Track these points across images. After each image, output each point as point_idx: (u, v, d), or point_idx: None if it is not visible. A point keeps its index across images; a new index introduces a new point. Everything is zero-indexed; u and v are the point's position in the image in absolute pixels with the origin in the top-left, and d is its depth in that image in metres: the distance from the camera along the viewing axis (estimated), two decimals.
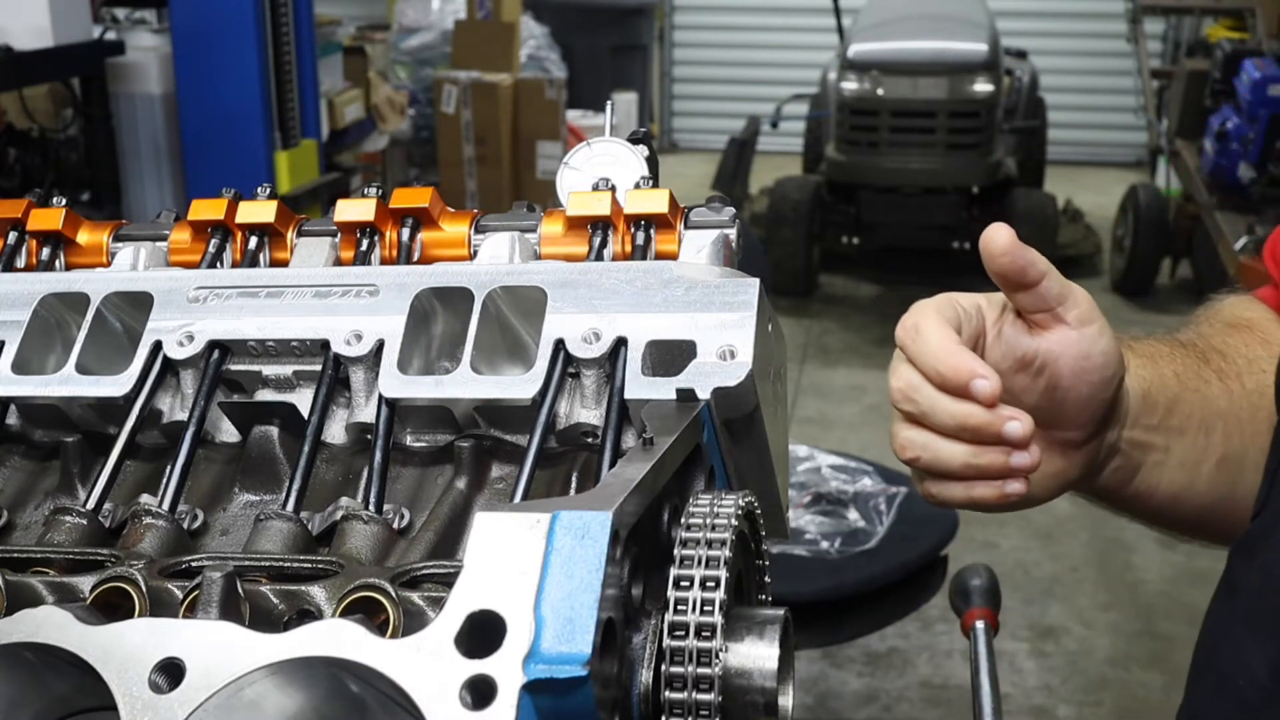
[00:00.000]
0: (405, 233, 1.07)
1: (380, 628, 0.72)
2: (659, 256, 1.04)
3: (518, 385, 0.92)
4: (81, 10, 4.94)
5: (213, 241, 1.09)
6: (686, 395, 0.88)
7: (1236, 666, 1.05)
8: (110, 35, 5.28)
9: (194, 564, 0.81)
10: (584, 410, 0.93)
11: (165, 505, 0.89)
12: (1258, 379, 1.21)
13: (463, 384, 0.92)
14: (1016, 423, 0.97)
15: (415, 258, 1.08)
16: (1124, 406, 1.11)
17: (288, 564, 0.81)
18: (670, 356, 0.92)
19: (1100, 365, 1.05)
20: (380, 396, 0.93)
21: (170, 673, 0.66)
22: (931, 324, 1.00)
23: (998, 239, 1.01)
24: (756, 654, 0.75)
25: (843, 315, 7.25)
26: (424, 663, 0.64)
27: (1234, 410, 1.19)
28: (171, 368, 0.97)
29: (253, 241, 1.09)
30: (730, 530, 0.75)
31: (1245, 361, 1.22)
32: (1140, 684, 3.85)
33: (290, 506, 0.88)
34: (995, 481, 1.00)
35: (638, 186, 1.07)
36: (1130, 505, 1.20)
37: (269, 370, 0.98)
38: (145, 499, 0.91)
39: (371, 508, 0.88)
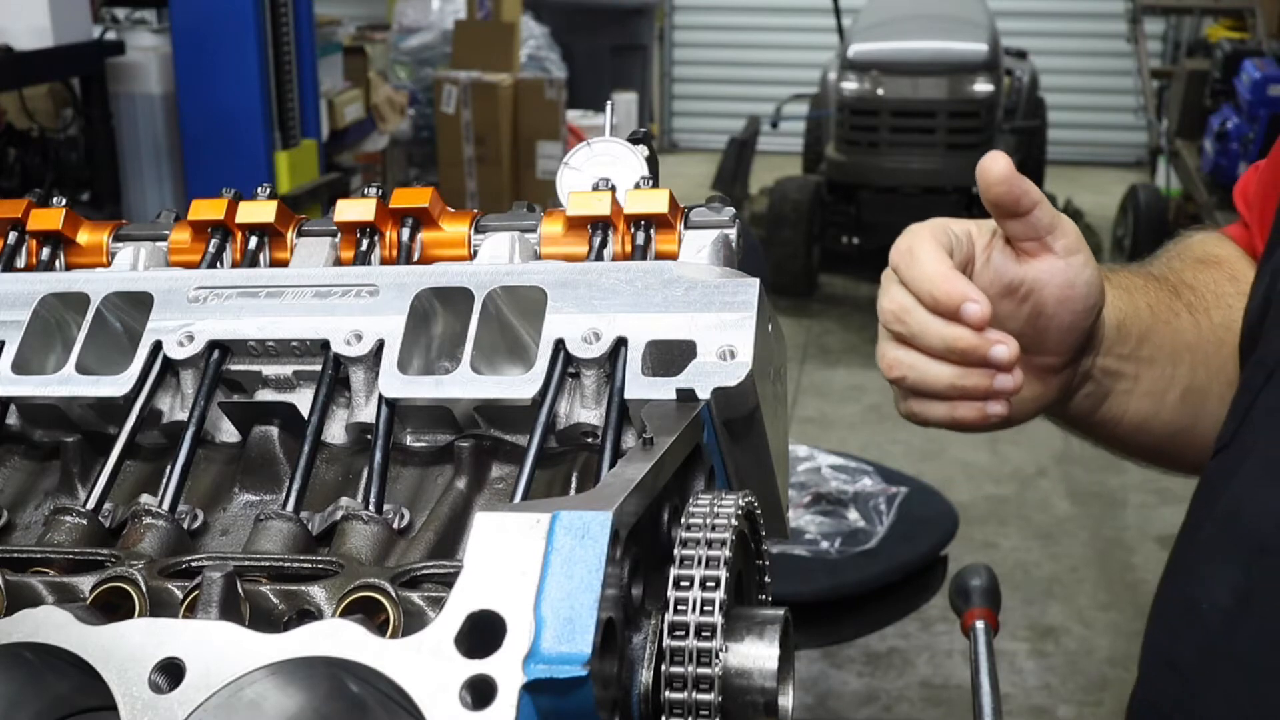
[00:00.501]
0: (405, 233, 1.07)
1: (380, 628, 0.72)
2: (659, 256, 1.04)
3: (518, 385, 0.92)
4: (81, 10, 4.94)
5: (213, 241, 1.09)
6: (686, 395, 0.88)
7: (1201, 593, 1.09)
8: (110, 35, 5.28)
9: (194, 564, 0.81)
10: (584, 410, 0.93)
11: (165, 505, 0.89)
12: (1225, 314, 1.25)
13: (463, 384, 0.92)
14: (1003, 346, 1.00)
15: (415, 258, 1.08)
16: (1100, 335, 1.15)
17: (288, 564, 0.81)
18: (670, 356, 0.92)
19: (1083, 294, 1.08)
20: (380, 396, 0.93)
21: (170, 673, 0.66)
22: (926, 248, 1.04)
23: (995, 167, 1.04)
24: (756, 654, 0.75)
25: (843, 315, 7.25)
26: (424, 663, 0.64)
27: (1201, 343, 1.23)
28: (171, 368, 0.97)
29: (253, 241, 1.09)
30: (730, 530, 0.75)
31: (1214, 296, 1.27)
32: None
33: (290, 506, 0.88)
34: (978, 402, 1.04)
35: (638, 186, 1.07)
36: (1096, 430, 1.25)
37: (269, 370, 0.98)
38: (145, 499, 0.91)
39: (371, 508, 0.88)
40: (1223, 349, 1.24)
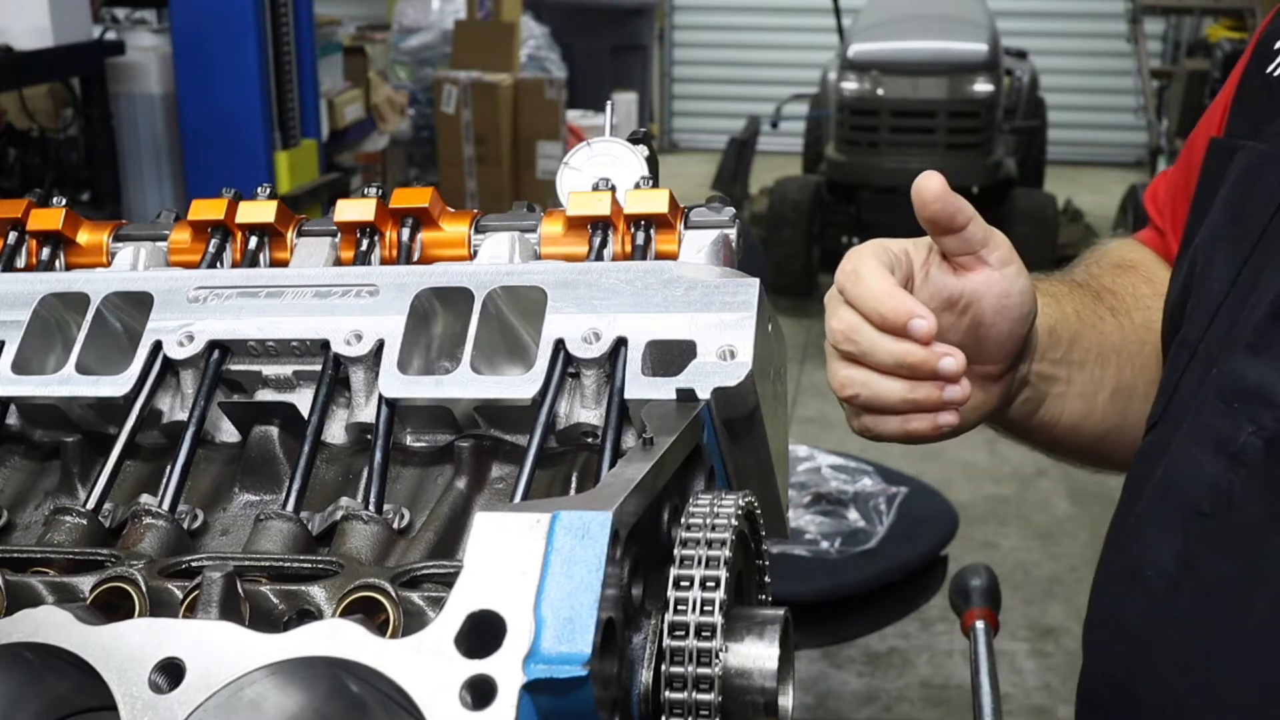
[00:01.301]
0: (405, 233, 1.07)
1: (380, 628, 0.72)
2: (659, 256, 1.04)
3: (518, 385, 0.92)
4: (81, 10, 4.94)
5: (213, 241, 1.09)
6: (686, 395, 0.88)
7: (1145, 560, 1.13)
8: (110, 35, 5.27)
9: (194, 564, 0.81)
10: (584, 410, 0.93)
11: (165, 505, 0.89)
12: (1144, 315, 1.32)
13: (463, 384, 0.92)
14: (950, 359, 1.05)
15: (415, 258, 1.08)
16: (1035, 342, 1.21)
17: (288, 564, 0.81)
18: (670, 356, 0.92)
19: (1018, 303, 1.13)
20: (380, 396, 0.93)
21: (170, 673, 0.66)
22: (870, 267, 1.07)
23: (930, 186, 1.08)
24: (756, 654, 0.75)
25: None
26: (424, 663, 0.64)
27: (1125, 344, 1.30)
28: (171, 368, 0.97)
29: (253, 241, 1.09)
30: (730, 530, 0.75)
31: (1133, 299, 1.34)
32: None
33: (290, 506, 0.88)
34: (929, 414, 1.09)
35: (638, 186, 1.07)
36: (1034, 434, 1.30)
37: (269, 370, 0.98)
38: (145, 499, 0.91)
39: (371, 508, 0.88)
40: (1144, 348, 1.31)
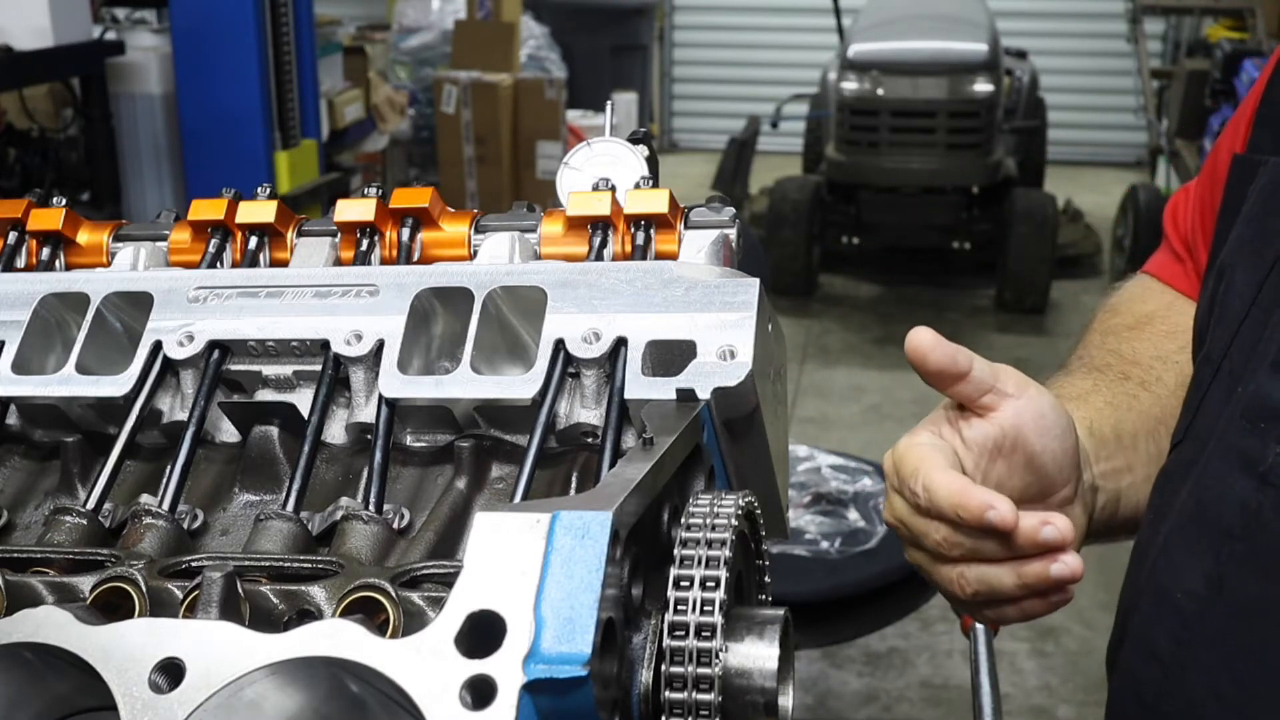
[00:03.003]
0: (405, 233, 1.07)
1: (380, 628, 0.72)
2: (659, 256, 1.04)
3: (518, 385, 0.92)
4: (81, 10, 4.94)
5: (213, 241, 1.09)
6: (686, 395, 0.88)
7: (1173, 582, 1.12)
8: (110, 35, 5.27)
9: (194, 564, 0.81)
10: (584, 410, 0.93)
11: (165, 505, 0.89)
12: (1175, 374, 1.29)
13: (463, 384, 0.92)
14: (1051, 526, 1.01)
15: (415, 258, 1.08)
16: (1084, 450, 1.18)
17: (288, 564, 0.81)
18: (670, 356, 0.92)
19: (1055, 420, 1.10)
20: (380, 396, 0.93)
21: (170, 673, 0.66)
22: (937, 478, 1.04)
23: (922, 341, 1.07)
24: (756, 654, 0.75)
25: (843, 315, 7.24)
26: (424, 663, 0.64)
27: (1165, 413, 1.26)
28: (171, 368, 0.97)
29: (253, 241, 1.09)
30: (730, 530, 0.75)
31: (1160, 363, 1.31)
32: None
33: (290, 506, 0.88)
34: (1044, 598, 1.06)
35: (638, 186, 1.07)
36: (1128, 529, 1.27)
37: (269, 370, 0.98)
38: (145, 499, 0.91)
39: (371, 508, 0.88)
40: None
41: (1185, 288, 1.38)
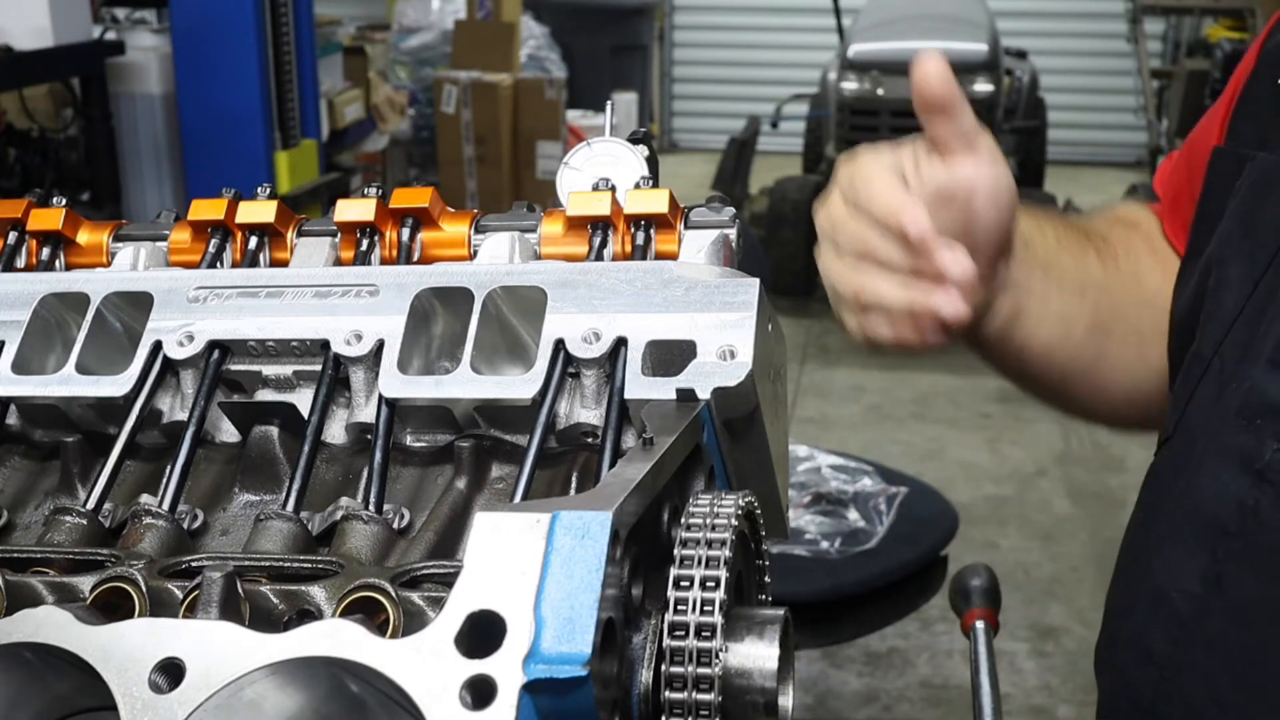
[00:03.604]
0: (405, 233, 1.07)
1: (380, 628, 0.72)
2: (659, 256, 1.04)
3: (518, 385, 0.92)
4: (81, 10, 4.94)
5: (213, 241, 1.09)
6: (686, 395, 0.88)
7: (1168, 580, 1.12)
8: (110, 35, 5.27)
9: (194, 564, 0.81)
10: (584, 410, 0.93)
11: (165, 505, 0.89)
12: (1133, 265, 1.31)
13: (463, 384, 0.92)
14: (954, 256, 1.04)
15: (415, 258, 1.08)
16: (1014, 244, 1.20)
17: (288, 564, 0.81)
18: (670, 356, 0.92)
19: (1006, 197, 1.13)
20: (380, 396, 0.93)
21: (170, 673, 0.66)
22: (879, 174, 1.09)
23: (929, 65, 1.08)
24: (756, 654, 0.75)
25: None
26: (424, 663, 0.64)
27: (1108, 285, 1.29)
28: (171, 368, 0.97)
29: (253, 241, 1.09)
30: (730, 530, 0.75)
31: (1124, 249, 1.32)
32: None
33: (290, 506, 0.88)
34: (920, 322, 1.09)
35: (638, 186, 1.07)
36: (1008, 358, 1.29)
37: (269, 370, 0.98)
38: (145, 499, 0.91)
39: (371, 508, 0.88)
40: (1127, 295, 1.30)
41: (1170, 234, 1.39)
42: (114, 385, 0.96)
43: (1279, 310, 1.08)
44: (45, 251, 1.11)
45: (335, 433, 0.97)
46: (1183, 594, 1.11)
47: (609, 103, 1.21)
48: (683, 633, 0.71)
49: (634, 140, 1.12)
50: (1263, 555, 1.06)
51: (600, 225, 1.04)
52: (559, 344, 0.93)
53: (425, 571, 0.78)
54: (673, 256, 1.03)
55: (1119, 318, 1.29)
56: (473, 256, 1.07)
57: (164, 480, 0.91)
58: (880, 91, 7.04)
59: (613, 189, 1.05)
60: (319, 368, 0.96)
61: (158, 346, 0.97)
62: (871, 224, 1.08)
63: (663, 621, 0.72)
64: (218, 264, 1.08)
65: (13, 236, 1.11)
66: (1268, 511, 1.05)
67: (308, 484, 0.90)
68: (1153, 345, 1.30)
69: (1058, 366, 1.29)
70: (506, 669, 0.64)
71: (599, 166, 1.11)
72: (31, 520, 0.96)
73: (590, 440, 0.93)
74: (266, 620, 0.76)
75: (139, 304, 1.00)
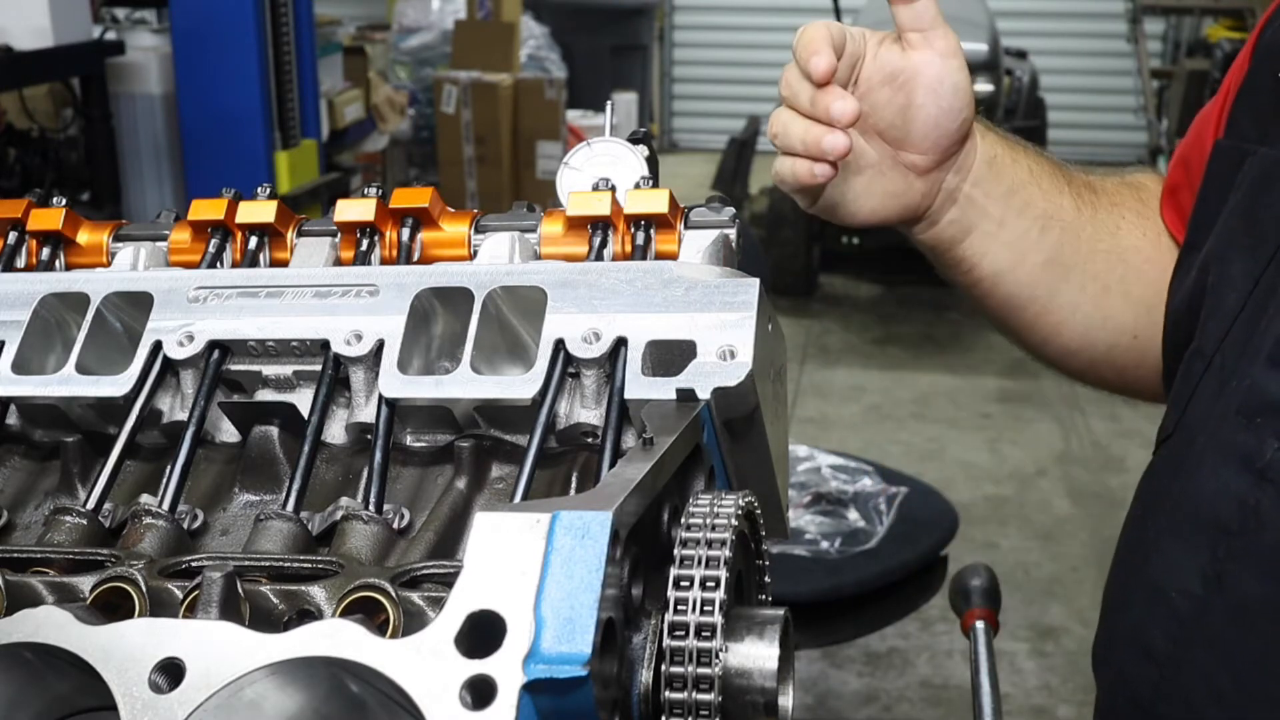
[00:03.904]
0: (405, 233, 1.07)
1: (380, 628, 0.72)
2: (659, 256, 1.04)
3: (518, 385, 0.92)
4: (81, 10, 4.94)
5: (213, 241, 1.09)
6: (686, 395, 0.88)
7: (1167, 579, 1.13)
8: (110, 35, 5.27)
9: (194, 564, 0.81)
10: (584, 410, 0.93)
11: (165, 505, 0.89)
12: (1113, 217, 1.33)
13: (463, 384, 0.92)
14: (842, 102, 1.12)
15: (415, 258, 1.08)
16: (970, 158, 1.24)
17: (288, 564, 0.81)
18: (670, 356, 0.92)
19: (951, 91, 1.18)
20: (380, 396, 0.93)
21: (170, 673, 0.66)
22: (815, 28, 1.16)
23: None
24: (756, 654, 0.75)
25: (843, 315, 7.24)
26: (424, 663, 0.64)
27: (1079, 226, 1.31)
28: (171, 368, 0.97)
29: (253, 241, 1.09)
30: (730, 530, 0.75)
31: (1109, 201, 1.34)
32: None
33: (290, 506, 0.88)
34: (812, 160, 1.15)
35: (638, 186, 1.07)
36: (957, 269, 1.32)
37: (269, 370, 0.98)
38: (145, 499, 0.91)
39: (371, 508, 0.88)
40: (1097, 243, 1.31)
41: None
42: (114, 385, 0.96)
43: None
44: (45, 251, 1.11)
45: (335, 433, 0.97)
46: (1182, 592, 1.10)
47: (609, 103, 1.21)
48: (683, 633, 0.71)
49: (634, 140, 1.12)
50: (1264, 555, 1.05)
51: (600, 225, 1.04)
52: (559, 344, 0.93)
53: (425, 571, 0.78)
54: (673, 256, 1.03)
55: (1082, 262, 1.30)
56: (473, 256, 1.07)
57: (164, 480, 0.91)
58: None
59: (613, 189, 1.05)
60: (319, 368, 0.96)
61: (158, 346, 0.97)
62: (798, 72, 1.15)
63: (663, 621, 0.72)
64: (218, 264, 1.08)
65: (13, 236, 1.11)
66: (1269, 510, 1.05)
67: (308, 484, 0.90)
68: (1115, 299, 1.31)
69: (1007, 292, 1.31)
70: (506, 669, 0.64)
71: (599, 166, 1.11)
72: (31, 520, 0.96)
73: (590, 440, 0.93)
74: (266, 620, 0.76)
75: (139, 304, 1.00)
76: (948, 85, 1.17)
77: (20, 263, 1.11)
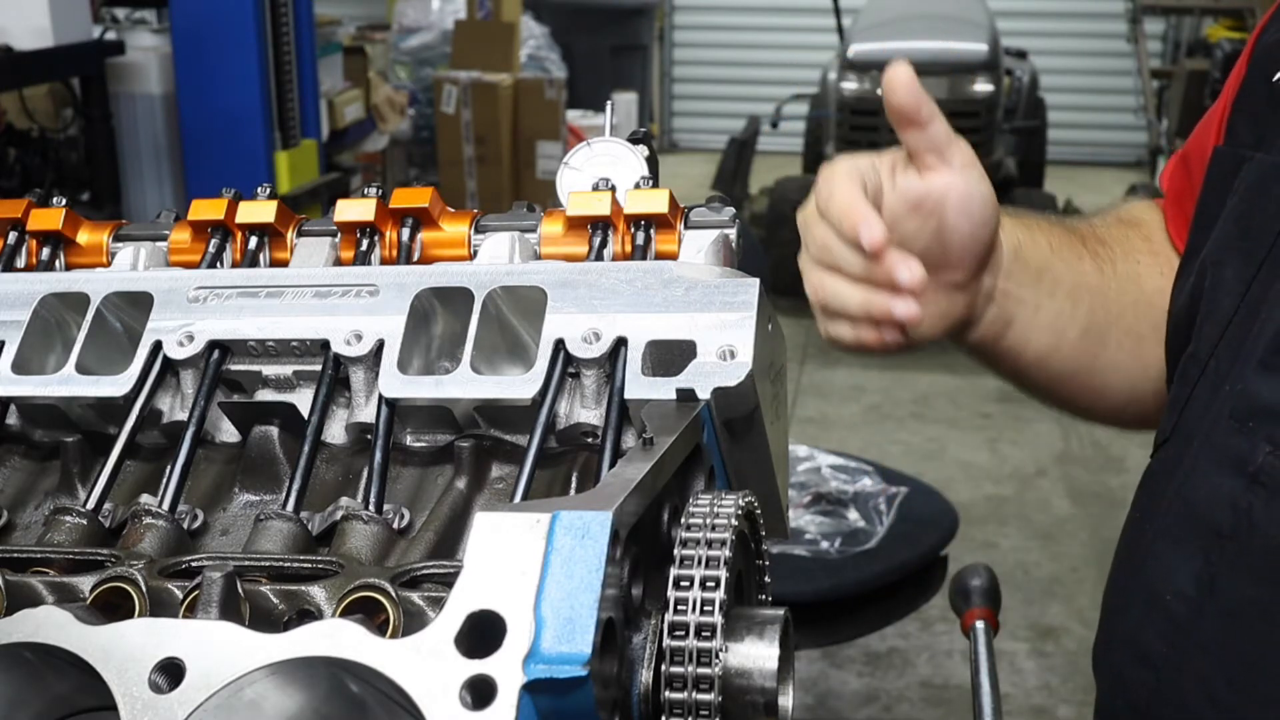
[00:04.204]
0: (405, 233, 1.07)
1: (380, 628, 0.72)
2: (659, 256, 1.04)
3: (518, 385, 0.92)
4: (81, 10, 4.94)
5: (213, 241, 1.09)
6: (686, 395, 0.88)
7: (1163, 582, 1.13)
8: (110, 35, 5.27)
9: (194, 564, 0.81)
10: (584, 410, 0.93)
11: (165, 505, 0.89)
12: (1131, 266, 1.32)
13: (463, 384, 0.92)
14: (907, 268, 1.07)
15: (415, 258, 1.08)
16: (999, 255, 1.22)
17: (288, 564, 0.81)
18: (670, 356, 0.92)
19: (981, 205, 1.15)
20: (380, 396, 0.93)
21: (170, 673, 0.66)
22: (842, 184, 1.12)
23: (899, 76, 1.13)
24: (756, 654, 0.75)
25: None
26: (424, 663, 0.64)
27: (1103, 288, 1.30)
28: (171, 368, 0.97)
29: (253, 241, 1.09)
30: (730, 530, 0.75)
31: (1123, 250, 1.33)
32: None
33: (290, 506, 0.88)
34: (879, 326, 1.13)
35: (638, 186, 1.07)
36: (1002, 361, 1.31)
37: (269, 370, 0.98)
38: (145, 499, 0.91)
39: (371, 508, 0.88)
40: (1123, 297, 1.30)
41: (1173, 229, 1.40)
42: (114, 385, 0.96)
43: (1271, 312, 1.08)
44: (45, 251, 1.11)
45: (335, 433, 0.97)
46: (1177, 596, 1.11)
47: (609, 103, 1.21)
48: (683, 633, 0.71)
49: (634, 140, 1.12)
50: (1256, 558, 1.06)
51: (600, 225, 1.04)
52: (559, 344, 0.93)
53: (425, 571, 0.78)
54: (673, 256, 1.03)
55: (1115, 321, 1.30)
56: (473, 256, 1.07)
57: (164, 480, 0.91)
58: (880, 91, 7.02)
59: (613, 189, 1.05)
60: (319, 368, 0.96)
61: (158, 346, 0.97)
62: (833, 230, 1.11)
63: (663, 621, 0.72)
64: (218, 264, 1.08)
65: (13, 236, 1.11)
66: (1260, 514, 1.05)
67: (308, 484, 0.90)
68: (1151, 346, 1.30)
69: (1052, 371, 1.30)
70: (506, 669, 0.64)
71: (599, 166, 1.11)
72: (31, 520, 0.96)
73: (590, 440, 0.93)
74: (266, 620, 0.76)
75: (139, 304, 1.00)
76: (976, 201, 1.15)
77: (20, 263, 1.11)
